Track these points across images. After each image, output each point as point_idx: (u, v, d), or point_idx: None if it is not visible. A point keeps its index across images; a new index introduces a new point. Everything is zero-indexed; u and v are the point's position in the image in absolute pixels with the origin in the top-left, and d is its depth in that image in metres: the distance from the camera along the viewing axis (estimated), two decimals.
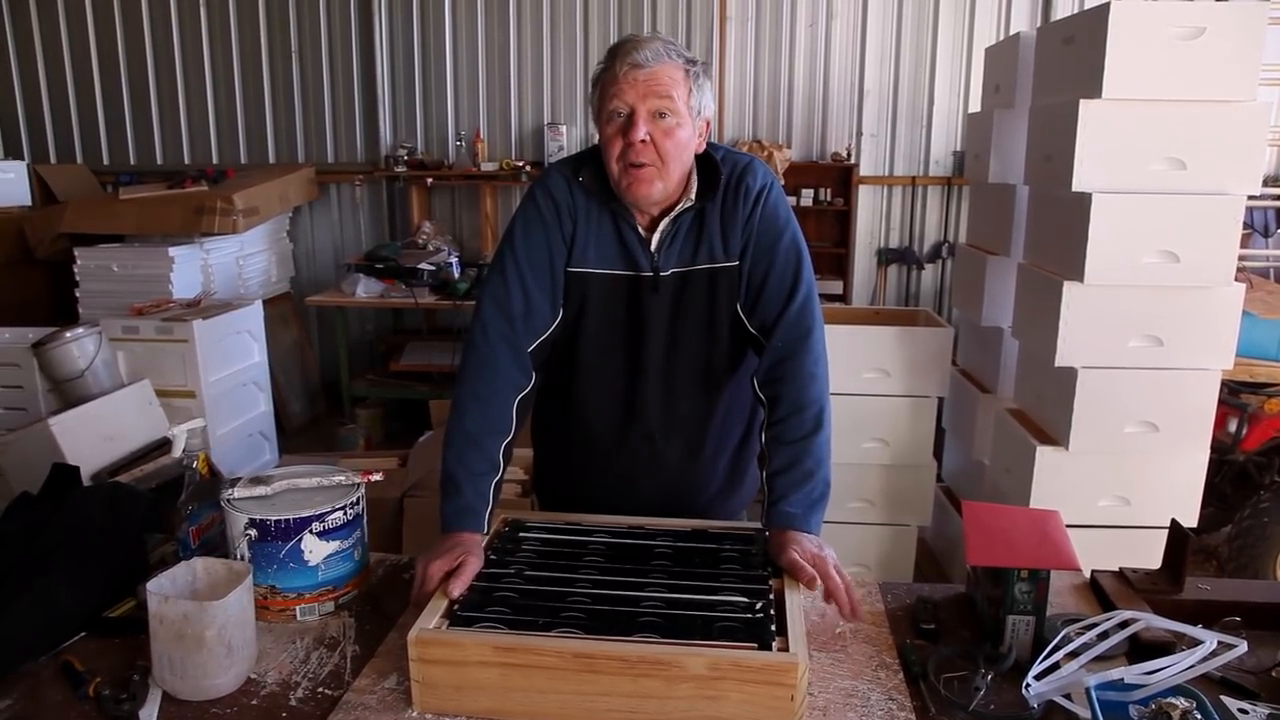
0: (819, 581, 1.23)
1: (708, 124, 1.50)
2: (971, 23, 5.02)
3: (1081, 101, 2.32)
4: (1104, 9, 2.28)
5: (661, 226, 1.50)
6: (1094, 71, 2.32)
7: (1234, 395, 3.06)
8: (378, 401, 4.99)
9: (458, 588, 1.23)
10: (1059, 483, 2.53)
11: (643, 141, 1.39)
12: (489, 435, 1.44)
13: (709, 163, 1.51)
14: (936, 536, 3.27)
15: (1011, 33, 3.76)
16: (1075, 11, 4.66)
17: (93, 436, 3.12)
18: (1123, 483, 2.54)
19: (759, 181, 1.52)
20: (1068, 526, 1.34)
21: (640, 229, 1.50)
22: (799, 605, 1.20)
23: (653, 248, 1.50)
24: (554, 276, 1.50)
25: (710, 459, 1.63)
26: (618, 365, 1.56)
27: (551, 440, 1.72)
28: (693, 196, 1.49)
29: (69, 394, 3.39)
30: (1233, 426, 3.07)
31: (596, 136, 1.48)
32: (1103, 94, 2.31)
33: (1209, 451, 2.52)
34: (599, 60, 1.47)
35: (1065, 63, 2.54)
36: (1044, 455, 2.53)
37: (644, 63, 1.38)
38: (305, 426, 5.20)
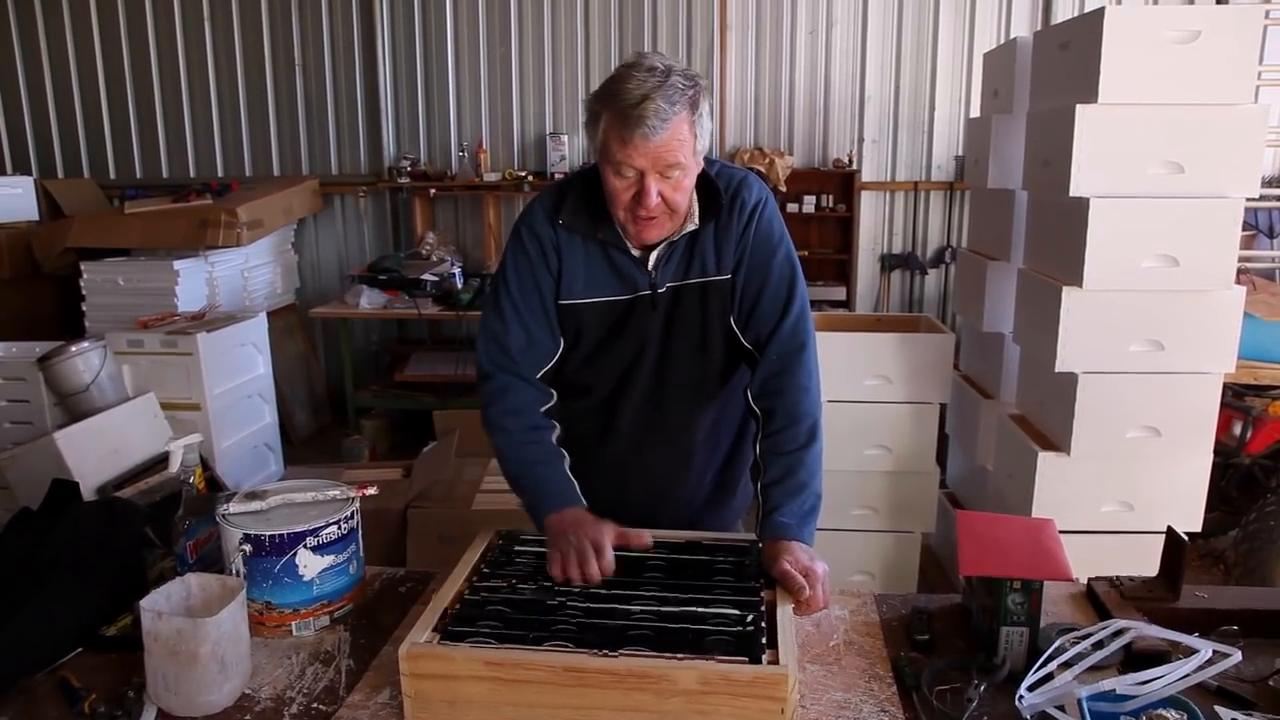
0: (805, 591, 1.23)
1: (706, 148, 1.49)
2: (972, 28, 5.01)
3: (1078, 106, 2.32)
4: (1099, 14, 2.27)
5: (658, 249, 1.50)
6: (1090, 76, 2.32)
7: (1238, 398, 3.04)
8: (382, 412, 5.00)
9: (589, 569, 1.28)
10: (1061, 488, 2.52)
11: (655, 204, 1.39)
12: (537, 430, 1.49)
13: (707, 184, 1.50)
14: (940, 543, 3.26)
15: (1011, 38, 3.75)
16: (1074, 15, 4.65)
17: (98, 450, 3.13)
18: (1126, 488, 2.53)
19: (754, 197, 1.52)
20: (1072, 532, 1.34)
21: (634, 252, 1.50)
22: (791, 617, 1.20)
23: (650, 266, 1.50)
24: (548, 312, 1.52)
25: (699, 470, 1.64)
26: (608, 380, 1.57)
27: None
28: (696, 220, 1.49)
29: (74, 408, 3.41)
30: (1237, 430, 3.05)
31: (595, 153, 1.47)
32: (1099, 99, 2.30)
33: (1212, 455, 2.51)
34: (601, 86, 1.39)
35: (1062, 68, 2.53)
36: (1046, 461, 2.52)
37: (653, 133, 1.33)
38: (310, 438, 5.21)
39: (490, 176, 5.22)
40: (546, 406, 1.53)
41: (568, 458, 1.49)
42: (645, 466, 1.61)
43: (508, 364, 1.50)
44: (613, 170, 1.39)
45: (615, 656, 1.09)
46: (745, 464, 1.67)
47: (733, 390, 1.60)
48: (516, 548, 1.43)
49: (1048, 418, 2.63)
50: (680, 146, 1.36)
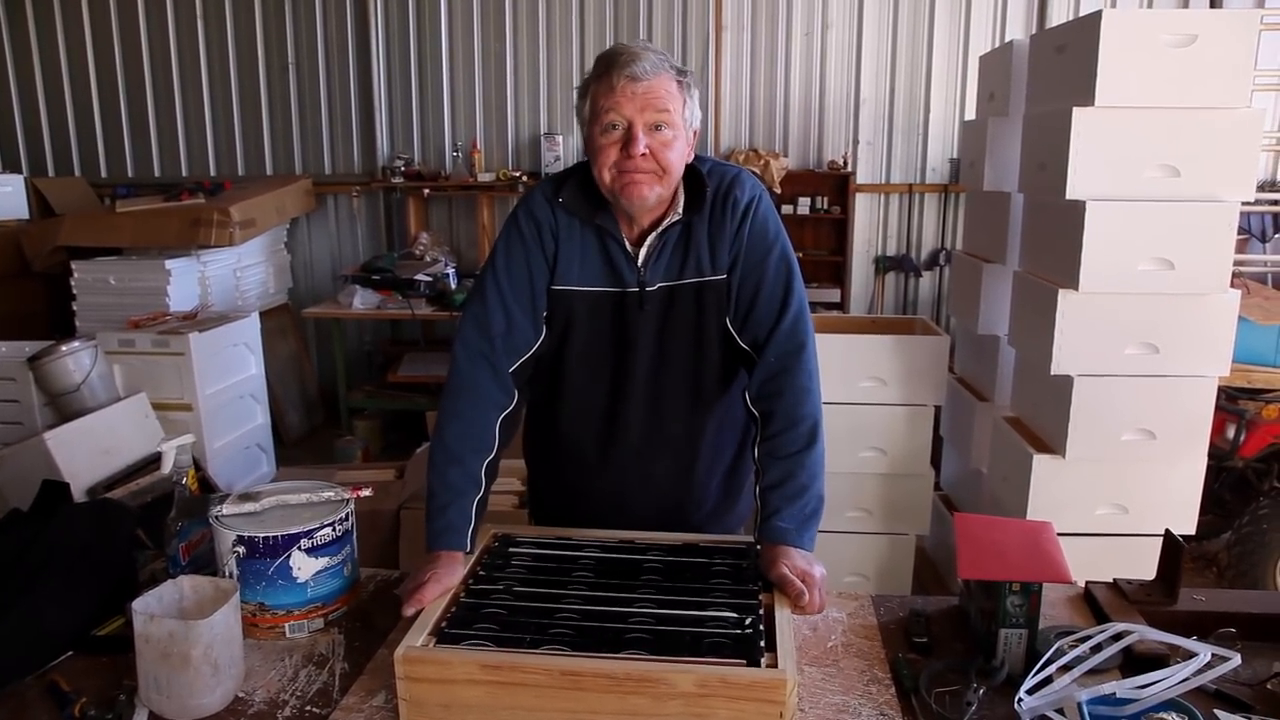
0: (804, 597, 1.22)
1: (695, 134, 1.49)
2: (967, 31, 5.02)
3: (1074, 109, 2.32)
4: (1095, 17, 2.28)
5: (649, 241, 1.48)
6: (1087, 79, 2.32)
7: (1231, 402, 3.05)
8: (375, 413, 4.98)
9: (409, 608, 1.23)
10: (1056, 491, 2.52)
11: (642, 155, 1.38)
12: (471, 453, 1.44)
13: (695, 175, 1.49)
14: (935, 545, 3.25)
15: (1006, 41, 3.76)
16: (1070, 19, 4.66)
17: (89, 451, 3.11)
18: (1120, 491, 2.53)
19: (747, 194, 1.50)
20: (1066, 535, 1.33)
21: (627, 244, 1.49)
22: (789, 620, 1.19)
23: (639, 262, 1.49)
24: (535, 297, 1.50)
25: (703, 476, 1.62)
26: (604, 382, 1.55)
27: (543, 457, 1.71)
28: (680, 210, 1.48)
29: (65, 408, 3.39)
30: (1231, 433, 3.06)
31: (583, 143, 1.47)
32: (1095, 102, 2.30)
33: (1207, 459, 2.51)
34: (590, 69, 1.45)
35: (1058, 71, 2.53)
36: (1041, 464, 2.52)
37: (642, 75, 1.36)
38: (303, 438, 5.19)
39: (484, 176, 5.21)
40: (505, 413, 1.48)
41: (485, 487, 1.44)
42: (648, 476, 1.59)
43: (485, 348, 1.47)
44: (600, 130, 1.40)
45: (613, 659, 1.08)
46: (749, 470, 1.64)
47: (733, 396, 1.58)
48: (513, 550, 1.42)
49: (1043, 420, 2.63)
50: (668, 98, 1.39)
